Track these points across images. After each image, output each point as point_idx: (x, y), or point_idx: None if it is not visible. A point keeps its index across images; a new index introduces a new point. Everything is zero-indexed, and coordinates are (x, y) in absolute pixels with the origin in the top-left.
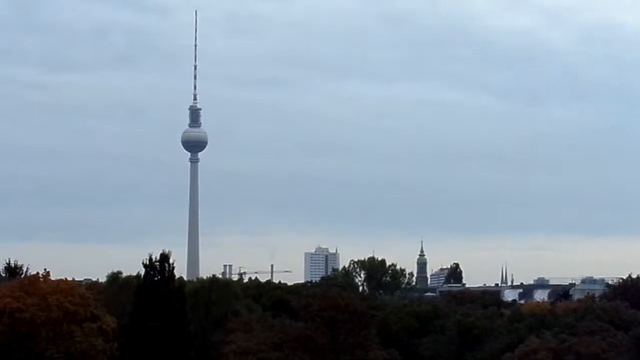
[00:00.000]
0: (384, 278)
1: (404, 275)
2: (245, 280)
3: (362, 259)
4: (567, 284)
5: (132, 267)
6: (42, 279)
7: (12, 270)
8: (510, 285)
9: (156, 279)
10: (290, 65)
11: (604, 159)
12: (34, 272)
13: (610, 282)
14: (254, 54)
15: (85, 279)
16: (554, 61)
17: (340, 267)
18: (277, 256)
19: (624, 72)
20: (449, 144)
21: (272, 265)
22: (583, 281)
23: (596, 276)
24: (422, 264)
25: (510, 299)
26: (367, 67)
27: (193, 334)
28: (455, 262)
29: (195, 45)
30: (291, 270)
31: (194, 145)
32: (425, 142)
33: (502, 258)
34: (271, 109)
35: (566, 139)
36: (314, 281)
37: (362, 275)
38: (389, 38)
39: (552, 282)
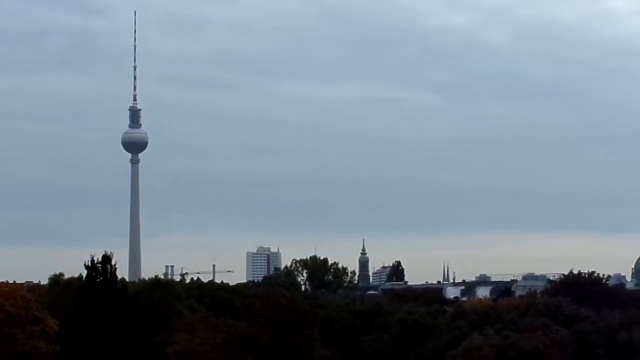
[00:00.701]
0: (326, 277)
1: (347, 274)
2: (188, 281)
3: (304, 258)
4: (509, 280)
5: (74, 269)
6: None
7: None
8: (452, 283)
9: (98, 280)
10: (231, 67)
11: (542, 156)
12: None
13: (552, 279)
14: (195, 55)
15: (27, 282)
16: (491, 59)
17: (283, 266)
18: (219, 257)
19: (560, 71)
20: (390, 142)
21: (214, 266)
22: (525, 278)
23: (538, 273)
24: (364, 263)
25: (452, 297)
26: (308, 68)
27: (136, 336)
28: (398, 260)
29: (135, 47)
30: (233, 270)
31: (134, 147)
32: (367, 141)
33: (444, 256)
34: (212, 110)
35: (504, 137)
36: (256, 281)
37: (304, 275)
38: (330, 38)
39: (494, 279)
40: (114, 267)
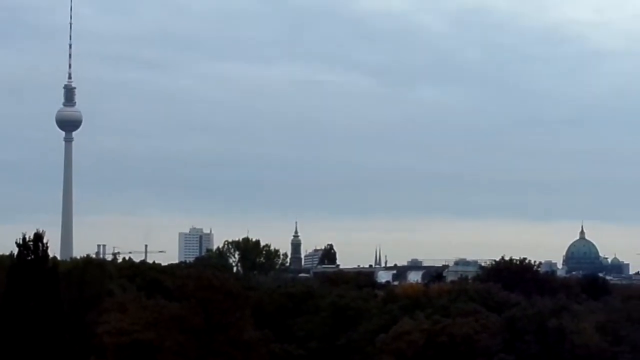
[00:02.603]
0: (258, 259)
1: (278, 256)
2: (119, 260)
3: (237, 239)
4: (441, 265)
5: (5, 246)
6: None
7: None
8: (384, 267)
9: (29, 258)
10: (165, 46)
11: (474, 141)
12: None
13: (483, 264)
14: (130, 34)
15: None
16: (426, 43)
17: (215, 247)
18: (152, 236)
19: (493, 56)
20: (323, 124)
21: (146, 246)
22: (456, 263)
23: (469, 258)
24: (296, 245)
25: (384, 281)
26: (243, 48)
27: (66, 315)
28: (330, 243)
29: (71, 24)
30: (165, 250)
31: (68, 125)
32: (301, 123)
33: (376, 239)
34: (146, 89)
35: (437, 121)
36: (188, 262)
37: (236, 256)
38: (265, 18)
39: (425, 264)
40: (45, 245)
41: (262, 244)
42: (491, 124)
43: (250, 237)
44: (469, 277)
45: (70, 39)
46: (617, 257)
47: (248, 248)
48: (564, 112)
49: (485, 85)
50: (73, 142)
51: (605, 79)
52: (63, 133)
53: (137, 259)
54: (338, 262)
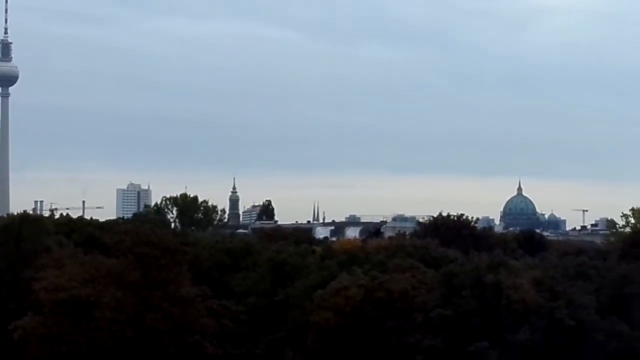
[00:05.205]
0: (196, 215)
1: (216, 212)
2: (57, 216)
3: (175, 195)
4: (379, 221)
5: None
6: None
7: None
8: (322, 223)
9: None
10: (105, 1)
11: (412, 98)
12: None
13: (421, 220)
14: None
15: None
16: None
17: (153, 203)
18: (89, 192)
19: (432, 12)
20: (262, 80)
21: (83, 202)
22: (394, 219)
23: (407, 214)
24: (234, 201)
25: (322, 237)
26: (182, 3)
27: (3, 271)
28: (268, 199)
29: None
30: (103, 206)
31: (4, 80)
32: (239, 78)
33: (314, 195)
34: (85, 44)
35: (376, 78)
36: (126, 218)
37: (174, 212)
38: None
39: (363, 220)
40: None
41: (200, 200)
42: (431, 80)
43: (188, 193)
44: (407, 233)
45: None
46: (554, 213)
47: (186, 204)
48: (502, 68)
49: (423, 41)
50: (9, 98)
51: (544, 36)
52: None
53: (74, 215)
54: (276, 218)
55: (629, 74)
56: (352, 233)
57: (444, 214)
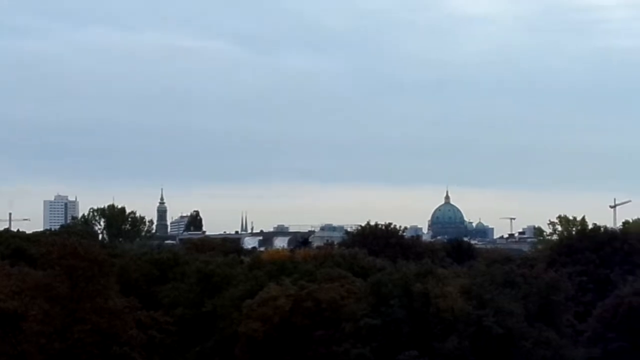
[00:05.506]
0: (123, 226)
1: (144, 223)
2: None
3: (102, 207)
4: (307, 231)
5: None
6: None
7: None
8: (250, 233)
9: None
10: (28, 11)
11: (339, 106)
12: None
13: (349, 229)
14: None
15: None
16: (288, 9)
17: (80, 215)
18: (16, 204)
19: (356, 21)
20: (190, 91)
21: (10, 214)
22: (322, 228)
23: (335, 223)
24: (162, 212)
25: (250, 247)
26: (106, 14)
27: None
28: (195, 210)
29: None
30: (30, 218)
31: None
32: (165, 89)
33: (242, 206)
34: (9, 55)
35: (301, 88)
36: (53, 229)
37: (101, 224)
38: None
39: (291, 230)
40: None
41: (128, 211)
42: (355, 90)
43: (115, 205)
44: (335, 242)
45: None
46: (481, 221)
47: (113, 215)
48: (428, 77)
49: (347, 50)
50: None
51: (468, 45)
52: None
53: (0, 227)
54: (204, 228)
55: (548, 83)
56: (281, 243)
57: (372, 223)
